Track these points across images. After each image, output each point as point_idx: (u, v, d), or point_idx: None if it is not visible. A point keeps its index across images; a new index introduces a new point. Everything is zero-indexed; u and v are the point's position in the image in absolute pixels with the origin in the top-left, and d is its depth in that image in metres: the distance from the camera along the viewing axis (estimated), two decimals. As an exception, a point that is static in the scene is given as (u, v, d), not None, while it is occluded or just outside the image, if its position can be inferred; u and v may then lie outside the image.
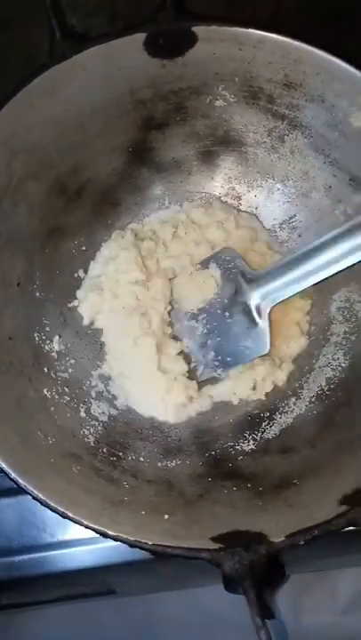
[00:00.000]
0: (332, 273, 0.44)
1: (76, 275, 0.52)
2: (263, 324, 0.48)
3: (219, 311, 0.50)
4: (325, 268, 0.44)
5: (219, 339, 0.49)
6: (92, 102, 0.47)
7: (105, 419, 0.47)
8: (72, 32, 0.43)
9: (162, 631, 0.66)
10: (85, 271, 0.53)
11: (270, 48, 0.45)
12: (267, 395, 0.49)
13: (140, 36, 0.45)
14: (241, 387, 0.49)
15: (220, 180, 0.55)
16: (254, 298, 0.49)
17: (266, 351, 0.48)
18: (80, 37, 0.44)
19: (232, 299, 0.50)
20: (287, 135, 0.50)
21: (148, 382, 0.49)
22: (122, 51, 0.45)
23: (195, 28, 0.45)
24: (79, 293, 0.51)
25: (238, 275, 0.50)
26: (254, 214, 0.55)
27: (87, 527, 0.35)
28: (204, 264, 0.52)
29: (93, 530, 0.35)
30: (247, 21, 0.45)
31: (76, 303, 0.51)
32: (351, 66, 0.43)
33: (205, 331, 0.50)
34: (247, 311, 0.49)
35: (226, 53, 0.46)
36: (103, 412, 0.48)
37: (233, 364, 0.49)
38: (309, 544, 0.34)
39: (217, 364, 0.49)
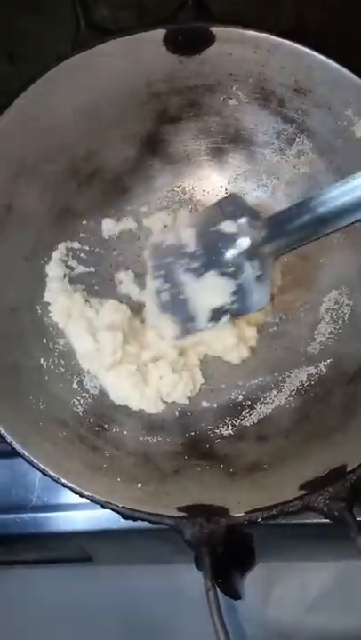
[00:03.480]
0: (343, 225, 0.42)
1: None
2: (266, 273, 0.46)
3: (217, 257, 0.47)
4: (338, 218, 0.41)
5: (216, 287, 0.48)
6: (109, 92, 0.49)
7: (96, 392, 0.50)
8: (96, 23, 0.46)
9: (133, 602, 0.68)
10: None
11: (283, 53, 0.47)
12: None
13: (160, 32, 0.47)
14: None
15: (227, 176, 0.57)
16: (259, 244, 0.45)
17: (265, 304, 0.47)
18: (103, 29, 0.46)
19: (234, 244, 0.46)
20: (295, 138, 0.52)
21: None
22: (142, 44, 0.47)
23: (213, 29, 0.47)
24: None
25: (244, 218, 0.46)
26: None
27: (64, 485, 0.38)
28: (209, 208, 0.51)
29: (70, 488, 0.38)
30: (264, 26, 0.47)
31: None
32: (358, 77, 0.45)
33: (198, 279, 0.48)
34: (250, 259, 0.46)
35: (241, 55, 0.48)
36: (95, 386, 0.50)
37: (231, 315, 0.48)
38: (267, 521, 0.37)
39: (211, 315, 0.49)
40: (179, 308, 0.50)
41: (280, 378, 0.52)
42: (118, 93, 0.50)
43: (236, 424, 0.50)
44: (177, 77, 0.50)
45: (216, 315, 0.49)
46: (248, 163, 0.56)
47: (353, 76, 0.45)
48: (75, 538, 0.55)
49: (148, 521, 0.37)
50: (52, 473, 0.38)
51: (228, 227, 0.47)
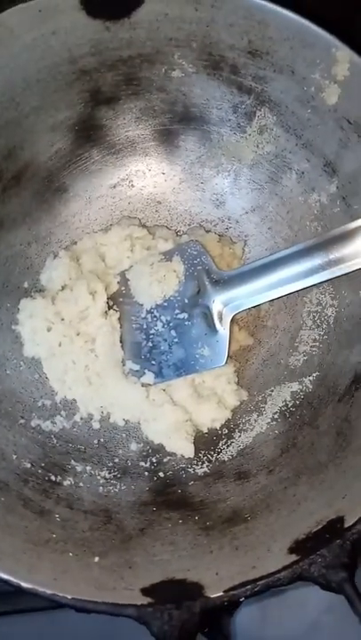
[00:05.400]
0: (304, 286, 0.39)
1: (25, 283, 0.46)
2: (223, 332, 0.43)
3: (177, 311, 0.45)
4: (299, 279, 0.39)
5: (174, 341, 0.44)
6: (23, 73, 0.40)
7: (43, 438, 0.42)
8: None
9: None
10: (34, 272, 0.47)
11: (231, 7, 0.38)
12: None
13: (76, -7, 0.38)
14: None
15: (181, 163, 0.48)
16: (217, 301, 0.43)
17: (222, 363, 0.42)
18: (1, -7, 0.37)
19: (193, 299, 0.44)
20: (255, 112, 0.44)
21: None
22: (55, 10, 0.38)
23: (141, -17, 0.38)
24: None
25: (203, 273, 0.44)
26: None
27: (-3, 578, 0.30)
28: (168, 256, 0.46)
29: (4, 581, 0.30)
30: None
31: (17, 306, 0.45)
32: (324, 30, 0.36)
33: (159, 331, 0.45)
34: (208, 315, 0.44)
35: (179, 14, 0.39)
36: (42, 430, 0.43)
37: (184, 373, 0.43)
38: (251, 597, 0.30)
39: (166, 369, 0.44)
40: (151, 357, 0.45)
41: (260, 397, 0.44)
42: (35, 74, 0.41)
43: (213, 459, 0.42)
44: (106, 48, 0.41)
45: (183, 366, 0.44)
46: (203, 145, 0.47)
47: (318, 30, 0.37)
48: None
49: (107, 613, 0.30)
50: (-20, 564, 0.30)
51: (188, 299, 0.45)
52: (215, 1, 0.38)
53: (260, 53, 0.40)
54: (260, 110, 0.43)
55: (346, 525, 0.31)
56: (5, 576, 0.30)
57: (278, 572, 0.30)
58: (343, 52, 0.37)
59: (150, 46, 0.42)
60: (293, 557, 0.31)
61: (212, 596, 0.30)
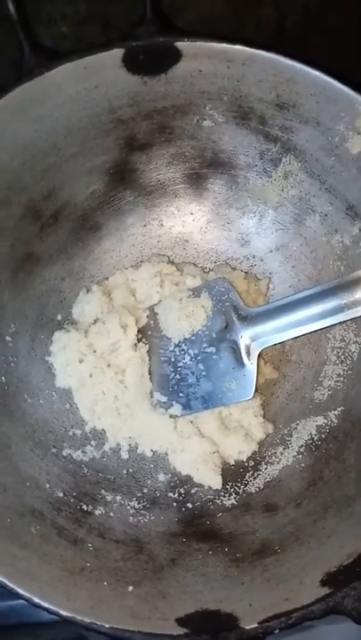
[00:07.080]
0: (328, 325, 0.41)
1: (59, 316, 0.48)
2: (251, 366, 0.44)
3: (205, 345, 0.46)
4: (323, 317, 0.41)
5: (201, 375, 0.46)
6: (66, 122, 0.43)
7: (74, 467, 0.43)
8: (41, 46, 0.40)
9: None
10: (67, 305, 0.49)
11: (261, 66, 0.41)
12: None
13: (119, 52, 0.41)
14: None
15: (208, 205, 0.51)
16: (245, 337, 0.45)
17: (250, 396, 0.44)
18: (51, 52, 0.40)
19: (221, 334, 0.46)
20: (280, 159, 0.46)
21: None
22: (98, 67, 0.41)
23: (178, 44, 0.41)
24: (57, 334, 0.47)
25: (231, 309, 0.46)
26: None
27: (37, 606, 0.31)
28: (196, 292, 0.48)
29: (44, 609, 0.31)
30: (239, 36, 0.41)
31: (50, 338, 0.47)
32: (348, 87, 0.39)
33: (187, 364, 0.46)
34: (235, 350, 0.45)
35: (213, 71, 0.42)
36: (73, 459, 0.44)
37: (212, 405, 0.45)
38: (285, 630, 0.31)
39: (194, 401, 0.45)
40: (179, 389, 0.46)
41: (285, 431, 0.46)
42: (77, 123, 0.44)
43: (240, 491, 0.43)
44: (143, 100, 0.44)
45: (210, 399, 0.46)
46: (230, 188, 0.50)
47: (342, 87, 0.39)
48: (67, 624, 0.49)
49: (142, 643, 0.30)
50: (21, 592, 0.31)
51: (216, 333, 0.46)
52: (246, 59, 0.41)
53: (288, 106, 0.43)
54: (285, 157, 0.46)
55: (378, 559, 0.31)
56: (46, 604, 0.31)
57: (312, 604, 0.31)
58: (367, 108, 0.40)
59: (184, 98, 0.45)
60: (326, 590, 0.31)
61: (247, 628, 0.30)
